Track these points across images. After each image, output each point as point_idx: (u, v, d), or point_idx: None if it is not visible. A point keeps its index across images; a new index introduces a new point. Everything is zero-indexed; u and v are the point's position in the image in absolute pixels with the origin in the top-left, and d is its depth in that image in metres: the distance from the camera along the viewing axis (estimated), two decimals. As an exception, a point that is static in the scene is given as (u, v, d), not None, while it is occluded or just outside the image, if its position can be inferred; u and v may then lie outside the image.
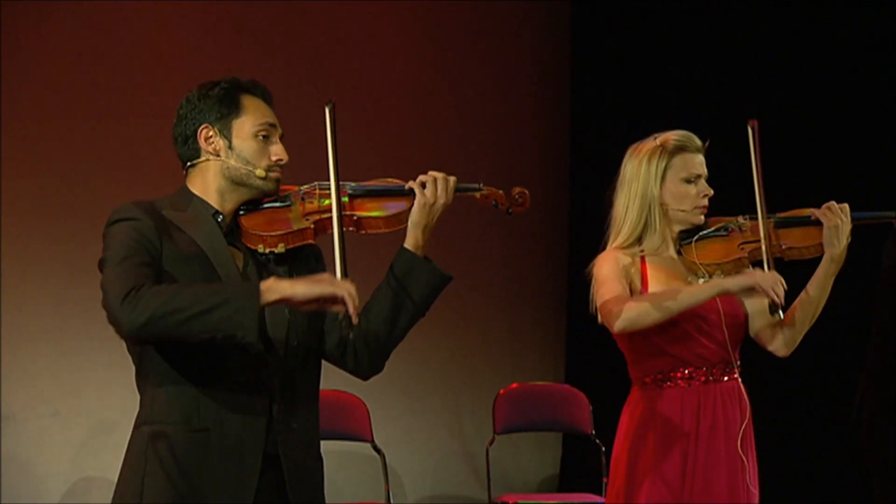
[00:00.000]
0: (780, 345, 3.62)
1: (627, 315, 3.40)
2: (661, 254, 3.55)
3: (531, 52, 6.81)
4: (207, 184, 2.86)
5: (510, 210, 2.98)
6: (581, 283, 7.03)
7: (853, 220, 3.52)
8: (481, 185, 2.96)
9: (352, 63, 6.44)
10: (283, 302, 2.63)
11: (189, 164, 2.88)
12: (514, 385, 6.13)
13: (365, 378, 2.93)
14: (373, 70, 6.49)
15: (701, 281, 3.52)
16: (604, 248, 3.60)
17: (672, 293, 3.42)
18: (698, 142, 3.60)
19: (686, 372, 3.51)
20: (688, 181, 3.54)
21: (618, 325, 3.42)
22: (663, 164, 3.53)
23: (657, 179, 3.53)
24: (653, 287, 3.49)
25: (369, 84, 6.46)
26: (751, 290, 3.40)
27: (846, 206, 3.53)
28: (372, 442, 5.88)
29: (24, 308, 5.82)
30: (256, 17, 6.28)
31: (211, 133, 2.85)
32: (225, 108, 2.85)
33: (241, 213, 2.87)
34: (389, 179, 2.95)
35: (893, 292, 3.96)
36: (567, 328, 6.64)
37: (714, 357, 3.52)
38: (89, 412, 5.90)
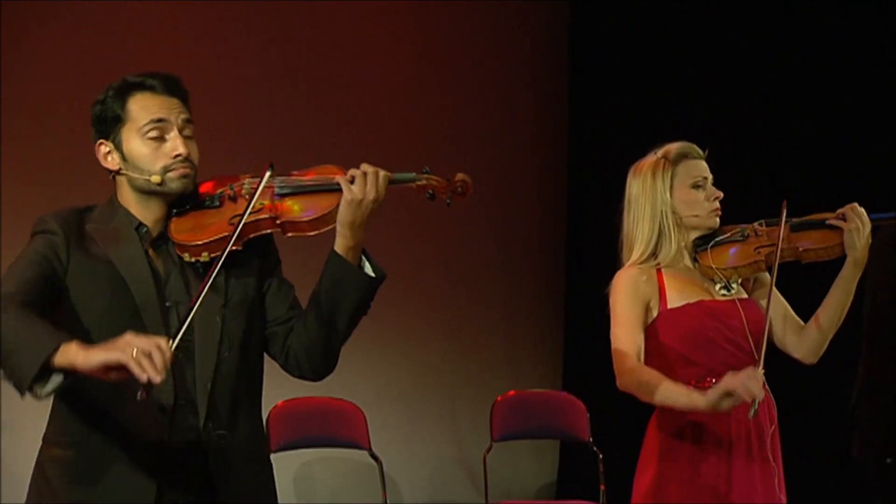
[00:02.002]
0: (806, 352, 3.57)
1: (626, 381, 3.39)
2: (677, 265, 3.53)
3: (531, 52, 6.81)
4: (126, 197, 2.75)
5: (449, 201, 2.74)
6: (579, 289, 7.02)
7: (873, 221, 3.48)
8: (418, 174, 2.74)
9: (349, 63, 6.43)
10: (69, 369, 2.41)
11: (111, 176, 2.78)
12: (512, 392, 6.10)
13: (315, 380, 2.82)
14: (370, 70, 6.48)
15: (718, 286, 3.52)
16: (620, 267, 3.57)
17: (659, 382, 3.34)
18: (699, 149, 3.59)
19: (714, 381, 3.41)
20: (695, 186, 3.53)
21: (619, 383, 3.42)
22: (669, 174, 3.52)
23: (666, 190, 3.51)
24: (672, 298, 3.46)
25: (367, 85, 6.45)
26: (726, 397, 3.25)
27: (862, 209, 3.49)
28: (369, 449, 5.86)
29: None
30: (256, 18, 6.27)
31: (108, 149, 2.73)
32: (112, 117, 2.71)
33: (174, 214, 2.74)
34: (327, 168, 2.74)
35: (891, 298, 3.92)
36: (564, 335, 6.63)
37: (740, 364, 3.43)
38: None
